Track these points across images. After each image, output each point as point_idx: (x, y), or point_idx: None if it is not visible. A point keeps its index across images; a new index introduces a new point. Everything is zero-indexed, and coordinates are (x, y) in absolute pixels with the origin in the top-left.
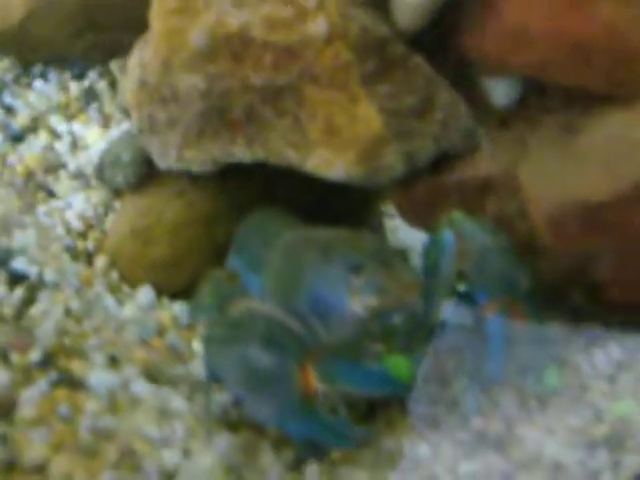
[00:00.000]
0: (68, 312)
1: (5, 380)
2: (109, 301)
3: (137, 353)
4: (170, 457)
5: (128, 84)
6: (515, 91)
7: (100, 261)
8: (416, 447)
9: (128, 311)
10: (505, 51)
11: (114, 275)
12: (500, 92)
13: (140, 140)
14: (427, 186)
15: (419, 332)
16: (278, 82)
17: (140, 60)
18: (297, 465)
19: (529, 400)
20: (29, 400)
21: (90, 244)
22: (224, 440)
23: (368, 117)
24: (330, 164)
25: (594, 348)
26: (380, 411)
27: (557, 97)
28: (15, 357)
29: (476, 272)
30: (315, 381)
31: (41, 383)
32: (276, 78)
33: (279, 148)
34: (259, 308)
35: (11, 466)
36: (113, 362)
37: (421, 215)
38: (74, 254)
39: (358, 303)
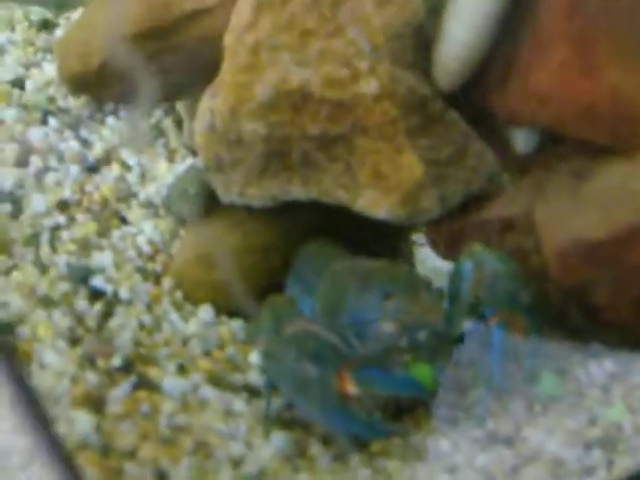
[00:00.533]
0: (142, 326)
1: (95, 381)
2: (175, 317)
3: (201, 363)
4: (237, 448)
5: (198, 127)
6: (533, 140)
7: (167, 282)
8: (439, 443)
9: (192, 326)
10: (527, 108)
11: (179, 294)
12: (521, 141)
13: (206, 176)
14: (456, 224)
15: (441, 346)
16: (332, 132)
17: (210, 106)
18: (341, 456)
19: (534, 405)
20: (116, 399)
21: (158, 266)
22: (280, 436)
23: (411, 165)
24: (377, 205)
25: (591, 361)
26: (407, 414)
27: (569, 146)
28: (100, 363)
29: (487, 294)
30: (350, 385)
31: (124, 385)
32: (330, 129)
33: (331, 189)
34: (309, 327)
35: (107, 451)
36: (182, 370)
37: (449, 248)
38: (144, 275)
39: (388, 322)
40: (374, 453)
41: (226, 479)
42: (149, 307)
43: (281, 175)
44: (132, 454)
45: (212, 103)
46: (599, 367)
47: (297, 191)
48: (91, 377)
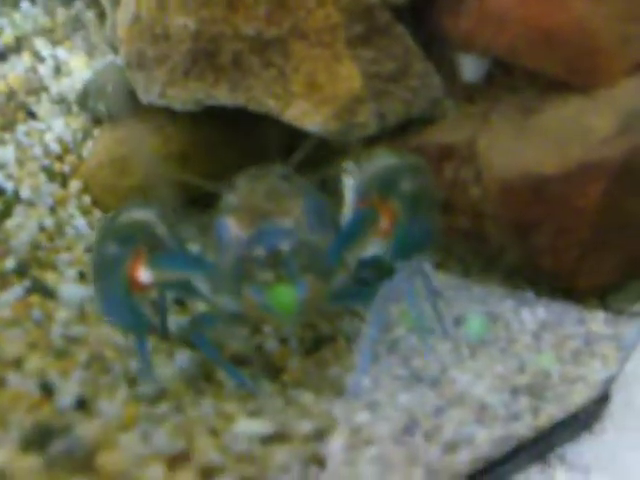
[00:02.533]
0: (42, 228)
1: None
2: (81, 223)
3: None
4: (135, 365)
5: (121, 18)
6: (483, 69)
7: (75, 184)
8: (359, 378)
9: None
10: (481, 32)
11: (87, 199)
12: (470, 69)
13: (126, 73)
14: (393, 146)
15: (313, 264)
16: (268, 34)
17: None
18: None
19: (462, 348)
20: (5, 303)
21: (66, 167)
22: (185, 356)
23: (350, 76)
24: (308, 116)
25: (523, 308)
26: (328, 344)
27: (521, 78)
28: None
29: (368, 182)
30: (143, 270)
31: (16, 289)
32: (266, 30)
33: (261, 96)
34: (139, 215)
35: None
36: (83, 278)
37: None
38: (50, 175)
39: (227, 216)
40: (288, 383)
41: (120, 397)
42: (53, 210)
43: (208, 77)
44: (17, 363)
45: None
46: (531, 314)
47: (223, 96)
48: None
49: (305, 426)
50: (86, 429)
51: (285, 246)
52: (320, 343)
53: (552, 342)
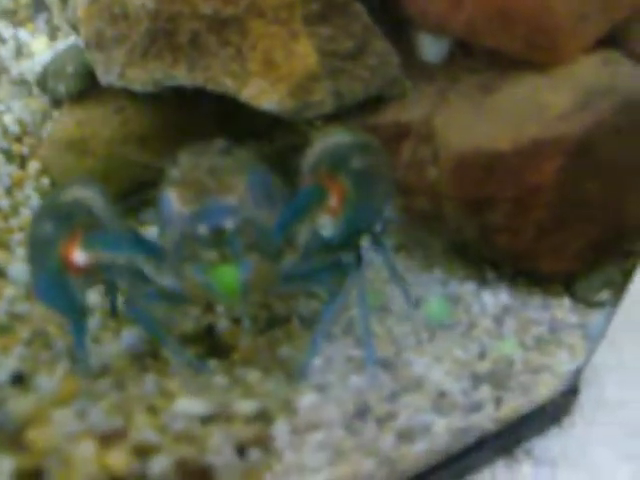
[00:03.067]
0: None
1: None
2: (37, 204)
3: None
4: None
5: None
6: (443, 49)
7: (33, 166)
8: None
9: None
10: (436, 9)
11: (45, 180)
12: (429, 49)
13: (86, 54)
14: (350, 125)
15: (258, 243)
16: (225, 13)
17: None
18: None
19: (420, 331)
20: None
21: (25, 149)
22: (131, 333)
23: (305, 54)
24: (264, 95)
25: (485, 291)
26: (281, 324)
27: (481, 59)
28: None
29: (318, 159)
30: (78, 250)
31: None
32: (223, 9)
33: (218, 76)
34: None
35: None
36: None
37: None
38: (8, 156)
39: (175, 196)
40: (235, 361)
41: (60, 373)
42: (9, 191)
43: (166, 57)
44: None
45: None
46: (493, 297)
47: (182, 76)
48: None
49: (249, 406)
50: (19, 404)
51: (229, 224)
52: (274, 323)
53: (514, 327)
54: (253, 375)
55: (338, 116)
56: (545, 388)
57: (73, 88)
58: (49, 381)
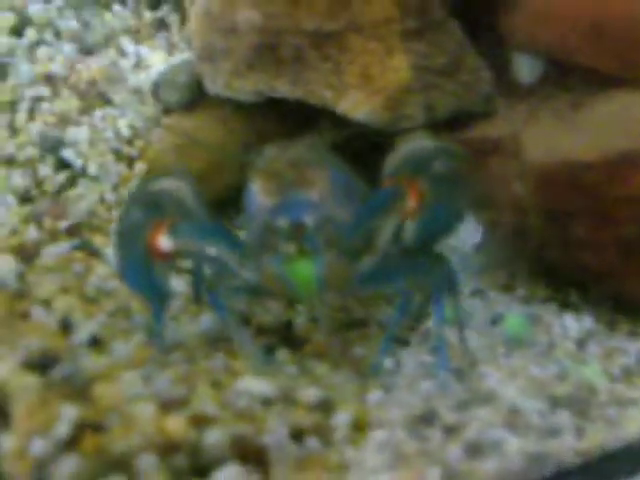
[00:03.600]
0: (102, 201)
1: (35, 236)
2: None
3: None
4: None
5: (194, 11)
6: (537, 69)
7: (140, 166)
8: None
9: None
10: (532, 28)
11: None
12: (524, 69)
13: (196, 65)
14: (440, 138)
15: (336, 240)
16: (326, 29)
17: None
18: (270, 348)
19: (497, 345)
20: (50, 254)
21: (134, 151)
22: (209, 318)
23: (399, 68)
24: (359, 107)
25: (567, 312)
26: (358, 328)
27: (574, 78)
28: (47, 222)
29: (399, 161)
30: (164, 238)
31: (64, 245)
32: (325, 25)
33: (318, 89)
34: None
35: (20, 296)
36: None
37: None
38: (118, 156)
39: (254, 177)
40: (307, 353)
41: (135, 342)
42: (115, 187)
43: (270, 70)
44: (46, 302)
45: None
46: (576, 321)
47: (284, 89)
48: (32, 232)
49: (312, 394)
50: (91, 362)
51: (308, 219)
52: (351, 326)
53: (598, 354)
54: (322, 368)
55: (429, 130)
56: (635, 425)
57: (183, 97)
58: (124, 347)
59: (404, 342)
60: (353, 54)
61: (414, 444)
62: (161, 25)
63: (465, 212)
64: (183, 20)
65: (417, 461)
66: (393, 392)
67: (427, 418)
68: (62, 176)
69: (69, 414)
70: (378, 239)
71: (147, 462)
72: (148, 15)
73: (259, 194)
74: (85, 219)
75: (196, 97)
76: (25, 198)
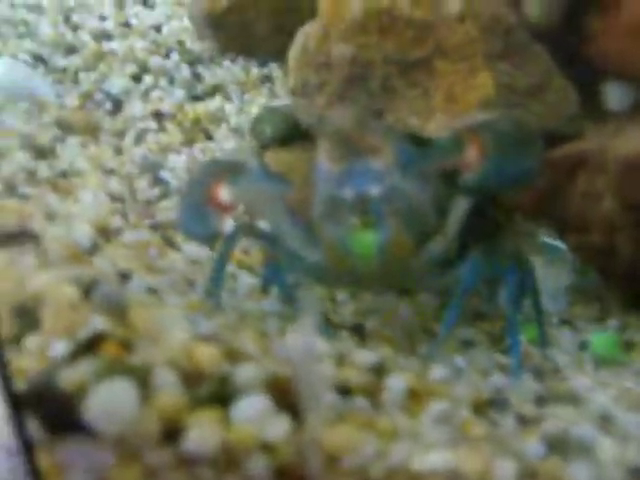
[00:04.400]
0: None
1: (118, 224)
2: None
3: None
4: None
5: (292, 51)
6: (629, 97)
7: None
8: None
9: None
10: (624, 53)
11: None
12: (615, 96)
13: (292, 101)
14: None
15: (401, 214)
16: (412, 56)
17: (305, 30)
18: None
19: (583, 362)
20: (129, 236)
21: None
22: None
23: (483, 84)
24: (445, 129)
25: None
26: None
27: None
28: (133, 219)
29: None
30: (223, 190)
31: (143, 232)
32: (411, 52)
33: (406, 117)
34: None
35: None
36: None
37: None
38: None
39: (324, 152)
40: (371, 334)
41: (189, 297)
42: None
43: (360, 100)
44: (112, 261)
45: (308, 28)
46: None
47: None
48: (117, 221)
49: (368, 357)
50: (134, 294)
51: (374, 191)
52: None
53: None
54: (385, 350)
55: None
56: None
57: (278, 132)
58: (177, 299)
59: (470, 343)
60: (440, 77)
61: (481, 426)
62: (266, 79)
63: (532, 170)
64: (286, 74)
65: (484, 445)
66: (461, 374)
67: (498, 403)
68: (156, 190)
69: (96, 323)
70: (448, 220)
71: (165, 379)
72: (255, 71)
73: (324, 161)
74: (168, 224)
75: (292, 132)
76: (114, 198)
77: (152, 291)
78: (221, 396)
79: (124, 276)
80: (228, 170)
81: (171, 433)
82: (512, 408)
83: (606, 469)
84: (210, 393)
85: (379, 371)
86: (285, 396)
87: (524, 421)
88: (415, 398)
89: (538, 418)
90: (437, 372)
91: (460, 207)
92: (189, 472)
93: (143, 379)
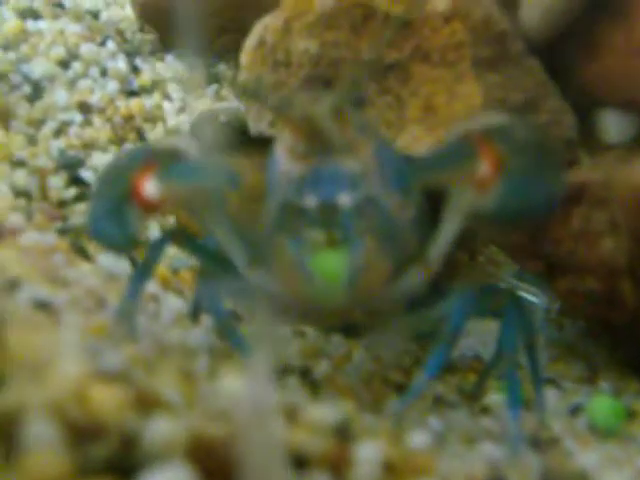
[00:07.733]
0: None
1: (18, 222)
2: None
3: None
4: None
5: (247, 44)
6: (631, 128)
7: None
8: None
9: None
10: (621, 80)
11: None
12: (613, 127)
13: (241, 101)
14: None
15: (378, 231)
16: (388, 59)
17: (264, 22)
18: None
19: (582, 433)
20: (30, 238)
21: None
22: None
23: (469, 94)
24: (418, 142)
25: None
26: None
27: None
28: (38, 218)
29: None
30: (149, 183)
31: (50, 236)
32: (387, 54)
33: None
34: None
35: None
36: None
37: None
38: None
39: (284, 147)
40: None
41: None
42: None
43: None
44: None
45: (268, 19)
46: None
47: None
48: (17, 218)
49: (325, 414)
50: (18, 308)
51: (345, 200)
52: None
53: None
54: (345, 404)
55: None
56: None
57: (221, 137)
58: (73, 317)
59: (442, 401)
60: (416, 85)
61: None
62: (213, 79)
63: (557, 190)
64: (236, 76)
65: None
66: (441, 441)
67: None
68: (72, 190)
69: None
70: (434, 251)
71: (41, 431)
72: (201, 70)
73: (284, 156)
74: (80, 227)
75: (236, 139)
76: (22, 194)
77: (44, 306)
78: (123, 462)
79: (12, 285)
80: (159, 158)
81: None
82: None
83: None
84: (107, 457)
85: (343, 434)
86: (214, 466)
87: None
88: (395, 475)
89: None
90: (416, 438)
91: (449, 230)
92: None
93: (6, 430)
